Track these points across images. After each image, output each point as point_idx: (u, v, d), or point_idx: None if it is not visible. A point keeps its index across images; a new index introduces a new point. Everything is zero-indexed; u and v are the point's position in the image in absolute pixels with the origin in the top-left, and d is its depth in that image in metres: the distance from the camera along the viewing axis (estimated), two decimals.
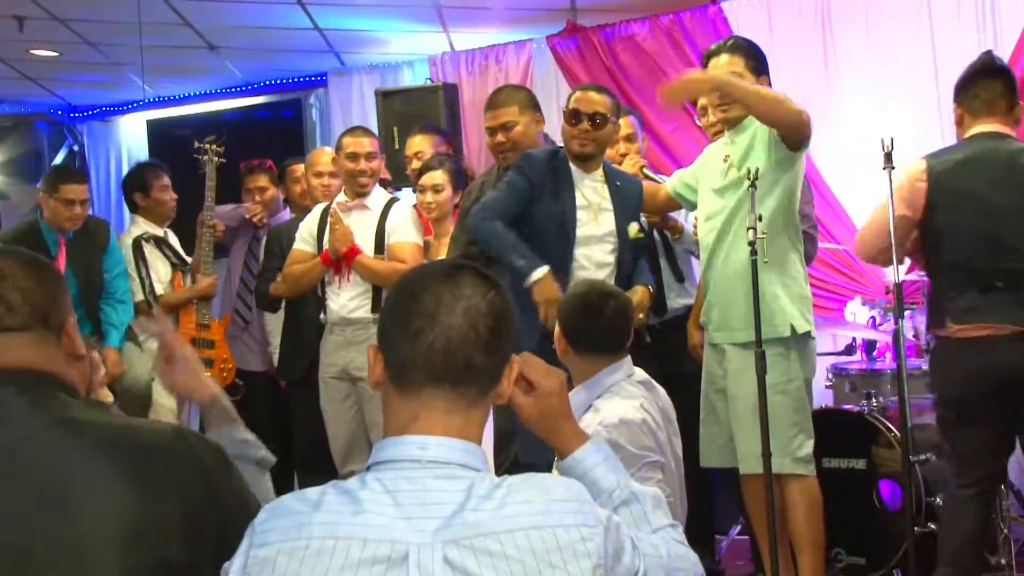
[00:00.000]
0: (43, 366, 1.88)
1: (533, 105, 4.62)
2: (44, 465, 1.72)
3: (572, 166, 4.25)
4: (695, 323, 4.44)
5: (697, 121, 4.47)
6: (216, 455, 1.87)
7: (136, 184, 5.89)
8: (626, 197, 4.31)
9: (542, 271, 3.97)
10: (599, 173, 4.30)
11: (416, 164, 5.34)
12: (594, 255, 4.19)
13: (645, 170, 4.77)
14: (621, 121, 4.78)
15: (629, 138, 4.94)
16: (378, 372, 1.67)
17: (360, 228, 4.99)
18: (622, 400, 3.24)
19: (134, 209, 5.87)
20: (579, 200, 4.21)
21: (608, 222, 4.23)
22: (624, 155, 4.85)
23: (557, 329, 3.34)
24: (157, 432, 1.86)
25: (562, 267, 4.11)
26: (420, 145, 5.51)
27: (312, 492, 1.58)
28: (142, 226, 5.77)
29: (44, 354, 1.89)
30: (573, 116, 4.21)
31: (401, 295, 1.68)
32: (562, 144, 4.34)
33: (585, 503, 1.60)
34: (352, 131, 5.26)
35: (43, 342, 1.90)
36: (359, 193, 5.05)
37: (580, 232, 4.18)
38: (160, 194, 5.84)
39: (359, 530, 1.51)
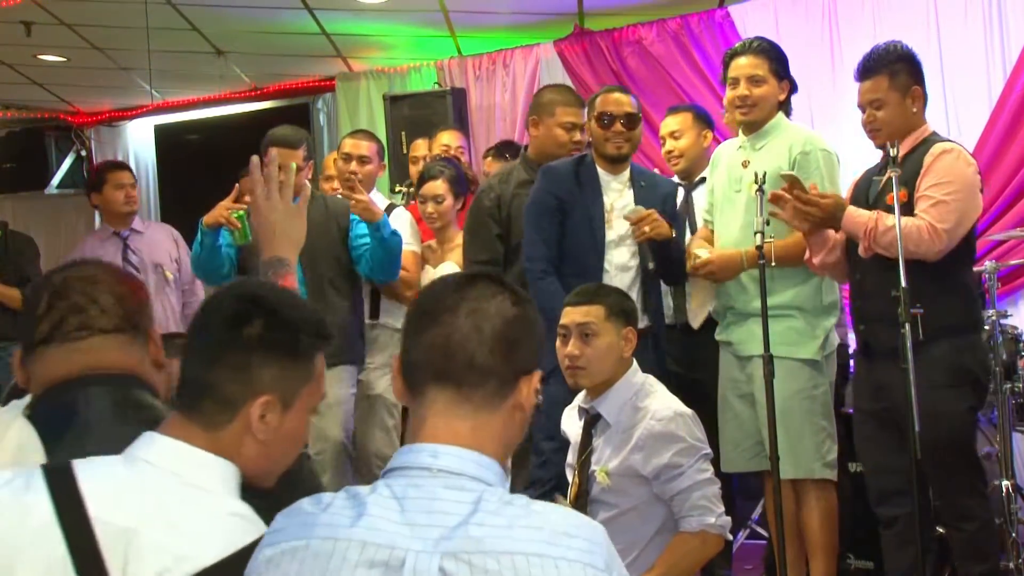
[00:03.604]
0: (134, 368, 1.97)
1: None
2: None
3: (600, 170, 4.25)
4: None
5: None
6: (310, 469, 1.97)
7: None
8: (649, 197, 4.25)
9: None
10: (626, 175, 4.28)
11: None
12: (614, 259, 4.16)
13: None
14: None
15: None
16: (399, 383, 1.69)
17: None
18: (665, 395, 3.28)
19: None
20: (606, 204, 4.20)
21: (623, 225, 4.18)
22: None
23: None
24: None
25: (595, 273, 4.10)
26: (451, 139, 5.56)
27: (327, 496, 1.60)
28: None
29: (134, 357, 1.98)
30: (604, 119, 4.20)
31: (416, 304, 1.70)
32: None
33: (597, 544, 1.52)
34: (353, 133, 5.27)
35: (133, 345, 1.99)
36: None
37: (607, 237, 4.17)
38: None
39: (359, 533, 1.51)
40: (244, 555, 1.58)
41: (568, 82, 7.02)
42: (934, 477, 3.70)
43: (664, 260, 4.21)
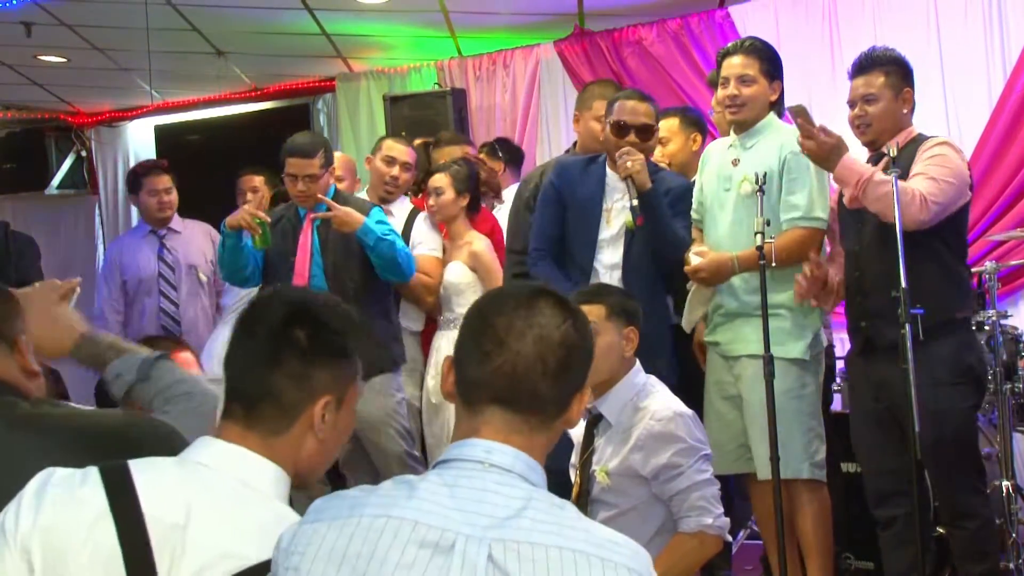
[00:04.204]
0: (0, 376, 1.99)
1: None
2: (15, 463, 1.78)
3: (608, 169, 4.26)
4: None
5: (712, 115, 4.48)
6: (170, 436, 1.96)
7: None
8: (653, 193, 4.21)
9: None
10: None
11: None
12: (605, 258, 4.19)
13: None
14: None
15: None
16: (450, 383, 1.71)
17: None
18: (665, 395, 3.26)
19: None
20: (607, 203, 4.23)
21: (619, 223, 4.21)
22: None
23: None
24: (111, 417, 2.01)
25: (585, 270, 4.15)
26: (454, 153, 5.54)
27: (373, 486, 1.63)
28: None
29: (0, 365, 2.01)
30: (620, 128, 4.17)
31: (478, 315, 1.70)
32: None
33: (643, 558, 1.56)
34: (395, 137, 5.33)
35: None
36: (383, 199, 5.07)
37: (599, 235, 4.20)
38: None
39: (411, 513, 1.53)
40: None
41: (568, 83, 7.04)
42: (936, 475, 3.71)
43: (657, 240, 4.17)
